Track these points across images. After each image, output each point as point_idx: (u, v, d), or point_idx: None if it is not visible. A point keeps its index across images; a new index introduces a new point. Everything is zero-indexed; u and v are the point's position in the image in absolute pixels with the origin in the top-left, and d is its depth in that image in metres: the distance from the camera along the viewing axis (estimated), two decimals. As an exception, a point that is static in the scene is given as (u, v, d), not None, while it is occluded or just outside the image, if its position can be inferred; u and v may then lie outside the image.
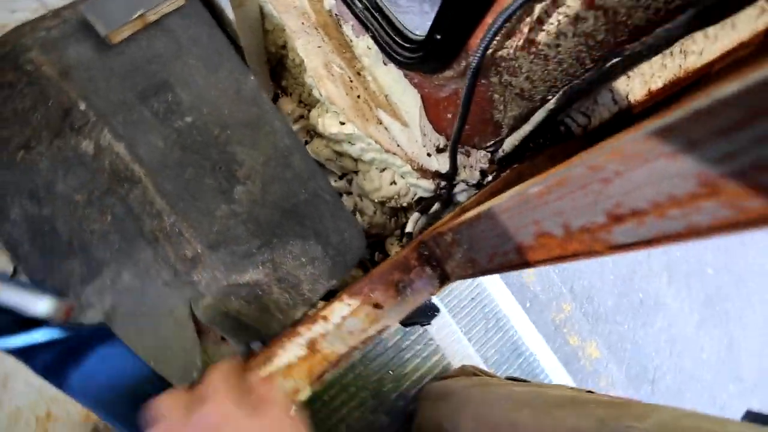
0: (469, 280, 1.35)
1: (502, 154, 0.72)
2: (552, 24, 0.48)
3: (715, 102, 0.20)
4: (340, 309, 0.58)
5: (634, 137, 0.25)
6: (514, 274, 1.86)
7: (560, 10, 0.46)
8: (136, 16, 0.68)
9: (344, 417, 0.88)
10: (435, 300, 0.85)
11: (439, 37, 0.52)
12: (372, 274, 0.62)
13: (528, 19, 0.49)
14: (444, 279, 0.61)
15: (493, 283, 1.40)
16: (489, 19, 0.46)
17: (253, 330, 0.62)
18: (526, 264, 0.41)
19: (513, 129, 0.67)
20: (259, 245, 0.66)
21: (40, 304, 0.33)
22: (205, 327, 0.62)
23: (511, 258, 0.42)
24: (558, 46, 0.50)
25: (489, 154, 0.76)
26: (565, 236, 0.34)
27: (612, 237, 0.30)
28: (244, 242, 0.67)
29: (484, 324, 1.30)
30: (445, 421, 0.76)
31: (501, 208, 0.41)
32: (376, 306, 0.59)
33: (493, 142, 0.72)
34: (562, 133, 0.65)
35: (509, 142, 0.68)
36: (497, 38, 0.50)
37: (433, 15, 0.53)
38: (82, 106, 0.67)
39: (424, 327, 1.01)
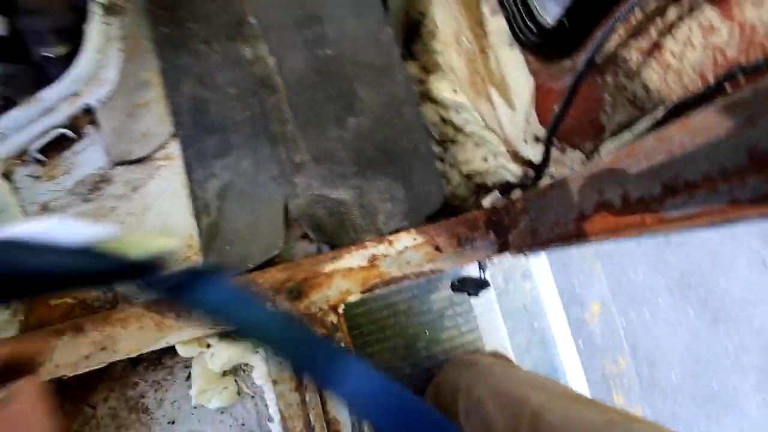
0: (528, 288, 1.35)
1: (598, 158, 0.74)
2: (683, 31, 0.49)
3: None
4: (406, 239, 0.66)
5: (704, 111, 0.29)
6: (577, 307, 1.79)
7: (695, 17, 0.47)
8: None
9: (375, 352, 0.97)
10: (489, 278, 0.90)
11: (566, 23, 0.56)
12: (442, 222, 0.69)
13: (659, 22, 0.51)
14: (504, 247, 0.66)
15: (551, 303, 1.39)
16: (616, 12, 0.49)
17: (329, 237, 0.73)
18: (582, 235, 0.45)
19: (614, 135, 0.68)
20: (354, 171, 0.77)
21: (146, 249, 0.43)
22: (292, 221, 0.75)
23: (570, 228, 0.47)
24: (683, 55, 0.51)
25: (584, 156, 0.77)
26: (622, 207, 0.38)
27: (663, 210, 0.33)
28: (343, 164, 0.78)
29: (529, 335, 1.30)
30: (463, 384, 0.81)
31: (573, 177, 0.45)
32: (437, 248, 0.66)
33: (591, 144, 0.74)
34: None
35: (606, 148, 0.70)
36: (621, 35, 0.53)
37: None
38: (253, 21, 0.83)
39: (471, 299, 1.05)
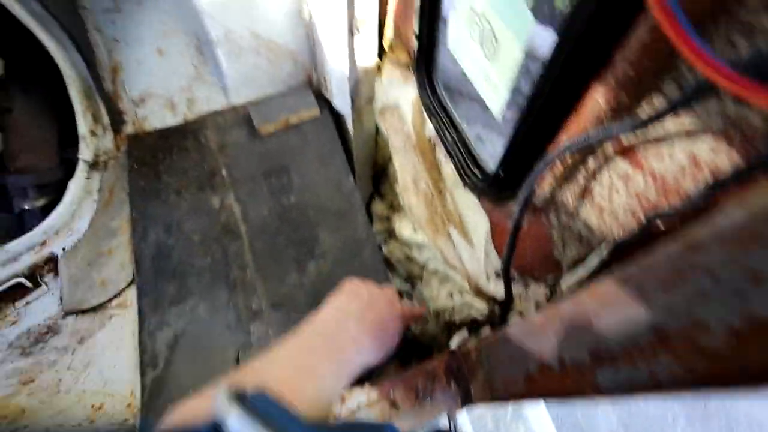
0: (522, 430, 1.20)
1: (560, 293, 0.72)
2: (605, 178, 0.52)
3: (655, 258, 0.23)
4: (359, 396, 0.60)
5: (605, 280, 0.28)
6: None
7: (611, 166, 0.50)
8: (282, 117, 0.93)
9: None
10: (467, 427, 0.79)
11: (501, 173, 0.59)
12: (399, 374, 0.64)
13: (583, 170, 0.54)
14: (467, 399, 0.60)
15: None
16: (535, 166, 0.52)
17: None
18: (532, 396, 0.40)
19: (570, 270, 0.67)
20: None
21: None
22: None
23: (520, 388, 0.42)
24: (612, 199, 0.53)
25: (547, 290, 0.75)
26: (560, 370, 0.34)
27: (597, 379, 0.30)
28: (300, 310, 0.75)
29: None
30: None
31: (512, 332, 0.43)
32: (393, 405, 0.59)
33: (552, 278, 0.73)
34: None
35: (565, 282, 0.68)
36: (553, 180, 0.55)
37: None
38: (224, 173, 0.90)
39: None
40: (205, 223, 0.84)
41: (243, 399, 0.30)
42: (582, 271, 0.65)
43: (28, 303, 0.79)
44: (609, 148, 0.49)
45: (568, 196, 0.58)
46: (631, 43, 0.35)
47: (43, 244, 0.82)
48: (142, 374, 0.71)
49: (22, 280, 0.79)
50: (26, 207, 0.90)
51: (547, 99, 0.46)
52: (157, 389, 0.69)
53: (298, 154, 0.93)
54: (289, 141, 0.94)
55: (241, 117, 0.96)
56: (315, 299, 0.77)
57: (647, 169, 0.47)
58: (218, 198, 0.87)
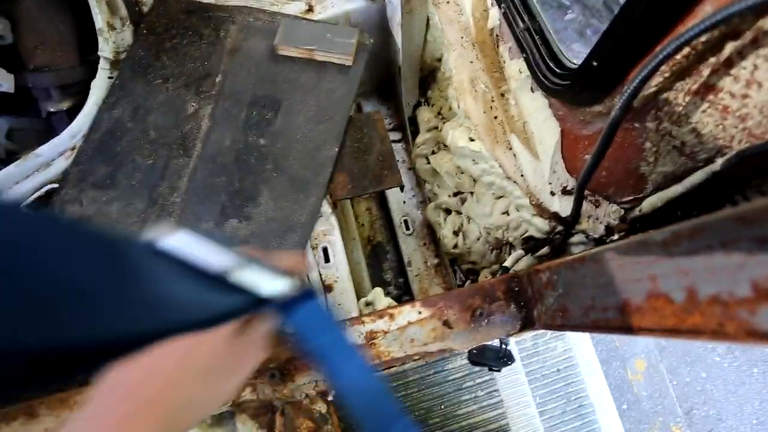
0: (561, 349, 1.19)
1: (638, 213, 0.63)
2: (744, 69, 0.40)
3: None
4: (408, 313, 0.56)
5: None
6: (617, 364, 1.59)
7: (761, 52, 0.38)
8: (308, 47, 0.80)
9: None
10: (512, 347, 0.77)
11: (596, 64, 0.47)
12: (452, 291, 0.59)
13: (712, 60, 0.42)
14: (528, 323, 0.55)
15: (588, 363, 1.22)
16: (658, 49, 0.41)
17: None
18: (627, 329, 0.34)
19: (659, 188, 0.58)
20: None
21: (278, 284, 0.32)
22: None
23: (610, 317, 0.36)
24: (746, 96, 0.41)
25: (622, 211, 0.66)
26: (686, 303, 0.27)
27: (755, 319, 0.23)
28: None
29: (563, 404, 1.13)
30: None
31: (613, 253, 0.35)
32: (446, 324, 0.56)
33: (631, 197, 0.63)
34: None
35: (650, 202, 0.59)
36: (665, 76, 0.44)
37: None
38: (218, 79, 0.80)
39: (493, 372, 0.92)
40: (168, 124, 0.77)
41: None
42: (677, 190, 0.55)
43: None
44: (766, 23, 0.37)
45: (680, 94, 0.47)
46: None
47: (74, 149, 0.78)
48: None
49: (56, 185, 0.77)
50: (52, 109, 0.85)
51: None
52: None
53: (300, 94, 0.80)
54: (301, 76, 0.80)
55: (273, 27, 0.83)
56: None
57: (820, 50, 0.35)
58: (195, 104, 0.78)
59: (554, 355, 1.17)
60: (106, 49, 0.82)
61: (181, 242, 0.32)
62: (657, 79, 0.46)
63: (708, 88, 0.44)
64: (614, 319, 0.36)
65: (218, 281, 0.32)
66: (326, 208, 0.78)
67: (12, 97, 0.82)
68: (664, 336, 0.31)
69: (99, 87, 0.80)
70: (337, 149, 0.78)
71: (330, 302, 0.72)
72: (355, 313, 0.71)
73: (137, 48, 0.81)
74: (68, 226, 0.27)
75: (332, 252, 0.75)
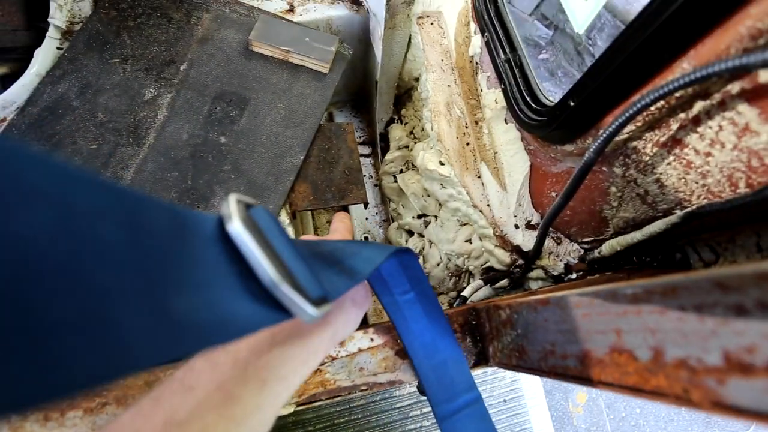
0: (509, 379, 1.20)
1: (597, 255, 0.64)
2: (710, 128, 0.41)
3: None
4: (360, 340, 0.53)
5: None
6: (560, 396, 1.62)
7: (727, 114, 0.39)
8: (284, 48, 0.76)
9: (321, 458, 0.80)
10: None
11: (573, 104, 0.47)
12: (408, 319, 0.57)
13: (682, 115, 0.42)
14: (482, 359, 0.54)
15: (533, 394, 1.23)
16: (636, 98, 0.41)
17: None
18: (587, 380, 0.33)
19: (620, 232, 0.59)
20: None
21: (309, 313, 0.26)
22: None
23: (570, 365, 0.35)
24: (709, 155, 0.43)
25: (582, 251, 0.67)
26: (651, 363, 0.26)
27: (723, 390, 0.22)
28: None
29: (507, 434, 1.13)
30: None
31: (578, 300, 0.34)
32: (398, 354, 0.53)
33: (591, 238, 0.64)
34: (675, 260, 0.55)
35: (610, 245, 0.60)
36: (636, 124, 0.44)
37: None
38: (182, 67, 0.75)
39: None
40: (121, 108, 0.70)
41: (248, 207, 0.26)
42: (636, 237, 0.56)
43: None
44: (735, 87, 0.38)
45: (648, 144, 0.48)
46: None
47: (3, 120, 0.69)
48: None
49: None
50: (-14, 74, 0.75)
51: (677, 12, 0.34)
52: None
53: (270, 95, 0.75)
54: (273, 76, 0.75)
55: (249, 22, 0.78)
56: None
57: (784, 120, 0.36)
58: (154, 91, 0.71)
59: (502, 385, 1.16)
60: (58, 17, 0.74)
61: (253, 226, 0.25)
62: (629, 127, 0.47)
63: (675, 141, 0.45)
64: (574, 368, 0.34)
65: (262, 290, 0.25)
66: (284, 218, 0.74)
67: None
68: (624, 393, 0.30)
69: (44, 56, 0.72)
70: (302, 158, 0.74)
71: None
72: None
73: (95, 21, 0.74)
74: (95, 181, 0.16)
75: (287, 264, 0.70)
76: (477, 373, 1.13)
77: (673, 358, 0.25)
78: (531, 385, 1.28)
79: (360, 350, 0.53)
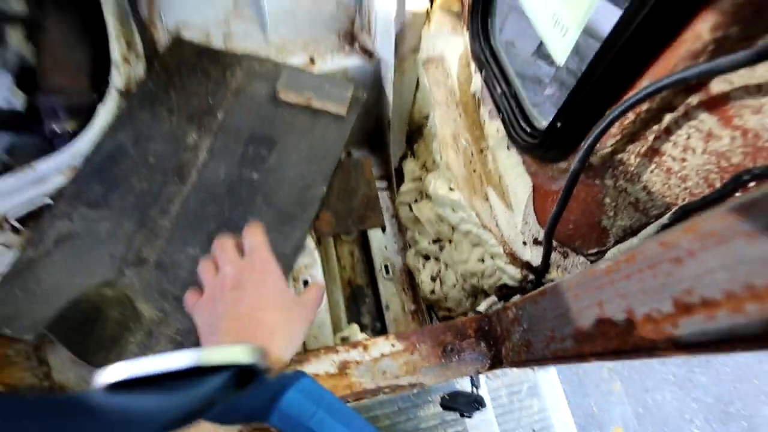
0: (536, 408, 1.18)
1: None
2: (681, 136, 0.47)
3: None
4: (383, 345, 0.58)
5: (712, 213, 0.24)
6: (594, 430, 1.56)
7: (692, 123, 0.45)
8: (307, 95, 0.88)
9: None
10: (486, 400, 0.77)
11: (559, 125, 0.54)
12: (426, 327, 0.61)
13: (655, 127, 0.48)
14: (496, 361, 0.57)
15: (564, 426, 1.20)
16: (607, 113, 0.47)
17: (81, 340, 0.65)
18: (581, 356, 0.37)
19: (619, 240, 0.63)
20: (176, 296, 0.71)
21: (246, 354, 0.32)
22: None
23: (567, 346, 0.39)
24: (684, 160, 0.48)
25: (588, 262, 0.71)
26: (627, 324, 0.31)
27: (678, 331, 0.27)
28: (176, 284, 0.73)
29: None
30: None
31: (567, 285, 0.39)
32: (418, 358, 0.57)
33: (595, 249, 0.68)
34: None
35: (612, 254, 0.64)
36: (617, 138, 0.50)
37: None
38: (219, 116, 0.86)
39: (464, 418, 0.91)
40: (167, 152, 0.81)
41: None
42: (633, 242, 0.60)
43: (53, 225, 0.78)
44: (694, 99, 0.44)
45: (631, 156, 0.53)
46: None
47: (73, 168, 0.80)
48: (23, 250, 0.70)
49: (50, 201, 0.78)
50: (56, 129, 0.88)
51: (636, 33, 0.41)
52: (24, 269, 0.69)
53: (295, 136, 0.86)
54: (297, 119, 0.87)
55: (276, 74, 0.91)
56: (193, 284, 0.66)
57: (738, 124, 0.42)
58: (196, 136, 0.83)
59: (530, 413, 1.15)
60: (117, 80, 0.87)
61: (129, 368, 0.30)
62: (611, 141, 0.53)
63: (653, 151, 0.50)
64: (570, 348, 0.39)
65: (190, 374, 0.31)
66: (310, 243, 0.81)
67: (19, 115, 0.85)
68: (611, 359, 0.34)
69: (105, 113, 0.85)
70: (324, 188, 0.82)
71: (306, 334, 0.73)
72: (329, 346, 0.72)
73: (148, 82, 0.87)
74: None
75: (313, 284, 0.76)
76: (503, 401, 1.12)
77: (642, 315, 0.29)
78: (561, 417, 1.26)
79: (383, 355, 0.57)
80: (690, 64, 0.39)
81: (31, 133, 0.91)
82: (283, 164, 0.83)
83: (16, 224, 0.76)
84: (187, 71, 0.89)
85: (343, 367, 0.57)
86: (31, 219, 0.78)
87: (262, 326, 0.48)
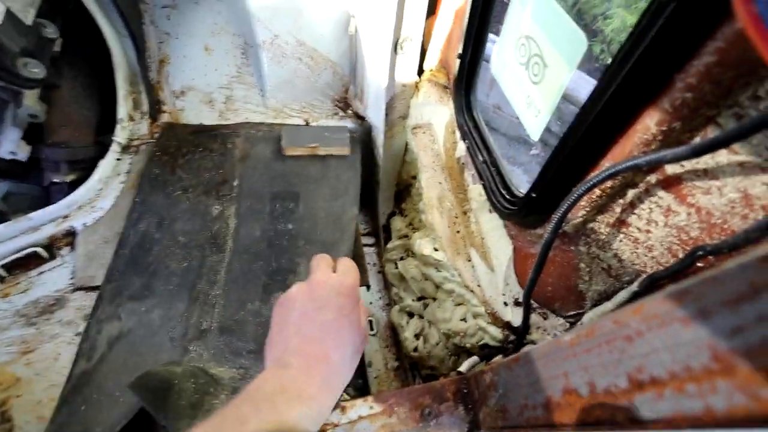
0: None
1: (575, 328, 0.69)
2: (644, 210, 0.50)
3: (723, 272, 0.22)
4: (360, 407, 0.57)
5: (654, 297, 0.26)
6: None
7: (653, 198, 0.49)
8: (311, 145, 0.94)
9: None
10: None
11: (534, 195, 0.58)
12: (404, 389, 0.61)
13: (621, 200, 0.52)
14: (474, 426, 0.57)
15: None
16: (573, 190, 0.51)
17: (165, 410, 0.62)
18: (552, 426, 0.38)
19: (596, 304, 0.65)
20: (251, 349, 0.71)
21: None
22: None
23: (539, 414, 0.40)
24: (649, 231, 0.51)
25: (567, 324, 0.72)
26: (590, 397, 0.32)
27: (634, 407, 0.28)
28: (245, 339, 0.73)
29: None
30: None
31: (537, 353, 0.41)
32: (395, 421, 0.56)
33: (573, 312, 0.70)
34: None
35: (588, 317, 0.65)
36: (587, 209, 0.54)
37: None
38: (234, 183, 0.90)
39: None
40: (196, 228, 0.83)
41: None
42: (607, 306, 0.62)
43: (41, 273, 0.79)
44: (652, 178, 0.48)
45: (601, 225, 0.57)
46: (693, 66, 0.34)
47: (66, 217, 0.82)
48: (74, 363, 0.67)
49: (40, 250, 0.79)
50: (56, 180, 0.91)
51: (594, 122, 0.45)
52: (82, 384, 0.66)
53: (313, 184, 0.91)
54: (310, 169, 0.93)
55: (274, 134, 0.97)
56: (265, 332, 0.72)
57: (692, 202, 0.45)
58: (219, 206, 0.86)
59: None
60: (120, 136, 0.92)
61: None
62: (582, 212, 0.56)
63: (621, 222, 0.54)
64: (542, 416, 0.39)
65: None
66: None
67: (20, 164, 0.88)
68: (579, 431, 0.35)
69: (105, 166, 0.88)
70: (356, 209, 0.88)
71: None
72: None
73: (152, 167, 0.91)
74: None
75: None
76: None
77: (602, 388, 0.31)
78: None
79: (360, 417, 0.56)
80: (643, 150, 0.44)
81: (29, 182, 0.94)
82: (312, 210, 0.87)
83: (2, 272, 0.76)
84: (188, 150, 0.94)
85: (321, 430, 0.55)
86: (19, 267, 0.78)
87: (321, 375, 0.47)
